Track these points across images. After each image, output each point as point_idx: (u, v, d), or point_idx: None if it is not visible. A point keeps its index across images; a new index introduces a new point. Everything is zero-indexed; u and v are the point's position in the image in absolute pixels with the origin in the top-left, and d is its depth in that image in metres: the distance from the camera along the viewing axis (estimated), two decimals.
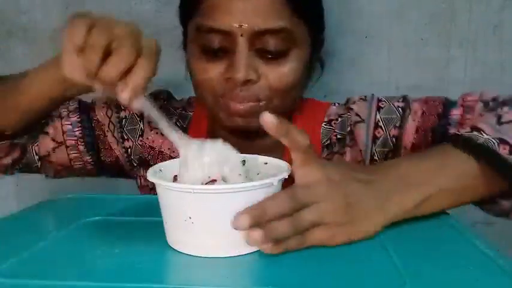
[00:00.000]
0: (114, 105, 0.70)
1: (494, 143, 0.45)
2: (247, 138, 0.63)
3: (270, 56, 0.56)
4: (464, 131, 0.48)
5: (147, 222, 0.47)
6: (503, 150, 0.45)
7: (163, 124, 0.44)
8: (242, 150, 0.44)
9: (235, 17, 0.54)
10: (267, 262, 0.36)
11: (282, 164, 0.43)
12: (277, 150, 0.55)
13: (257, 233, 0.36)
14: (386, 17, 0.93)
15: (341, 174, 0.41)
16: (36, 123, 0.65)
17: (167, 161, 0.47)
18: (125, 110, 0.70)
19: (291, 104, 0.63)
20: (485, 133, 0.46)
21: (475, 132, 0.47)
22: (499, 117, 0.49)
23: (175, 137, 0.43)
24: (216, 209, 0.37)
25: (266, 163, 0.46)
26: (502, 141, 0.45)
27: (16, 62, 0.99)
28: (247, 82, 0.56)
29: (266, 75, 0.57)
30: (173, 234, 0.40)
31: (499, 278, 0.33)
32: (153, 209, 0.50)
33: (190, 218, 0.37)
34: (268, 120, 0.37)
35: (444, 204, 0.46)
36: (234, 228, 0.36)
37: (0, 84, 0.61)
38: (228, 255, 0.38)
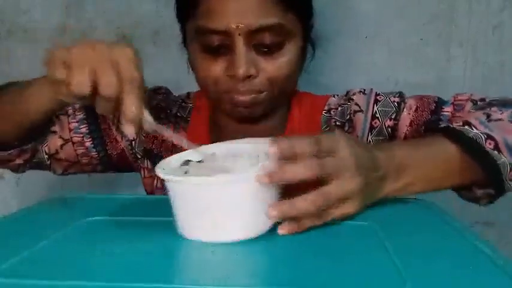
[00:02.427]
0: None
1: (481, 138, 0.51)
2: (249, 123, 0.68)
3: (266, 50, 0.61)
4: (457, 125, 0.53)
5: (147, 222, 0.47)
6: (488, 145, 0.50)
7: (170, 134, 0.47)
8: (244, 134, 0.52)
9: (232, 18, 0.58)
10: (266, 260, 0.36)
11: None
12: (277, 132, 0.61)
13: (275, 212, 0.41)
14: (386, 17, 0.94)
15: (364, 168, 0.45)
16: (36, 134, 0.65)
17: (166, 159, 0.47)
18: None
19: (291, 90, 0.69)
20: (475, 128, 0.51)
21: (466, 127, 0.52)
22: (488, 115, 0.54)
23: (185, 144, 0.48)
24: (234, 195, 0.40)
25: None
26: (488, 136, 0.51)
27: (16, 62, 1.00)
28: (248, 77, 0.61)
29: (265, 69, 0.61)
30: (190, 225, 0.41)
31: (499, 278, 0.33)
32: (153, 209, 0.50)
33: (209, 207, 0.39)
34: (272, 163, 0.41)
35: (426, 188, 0.52)
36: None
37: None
38: (250, 237, 0.40)
